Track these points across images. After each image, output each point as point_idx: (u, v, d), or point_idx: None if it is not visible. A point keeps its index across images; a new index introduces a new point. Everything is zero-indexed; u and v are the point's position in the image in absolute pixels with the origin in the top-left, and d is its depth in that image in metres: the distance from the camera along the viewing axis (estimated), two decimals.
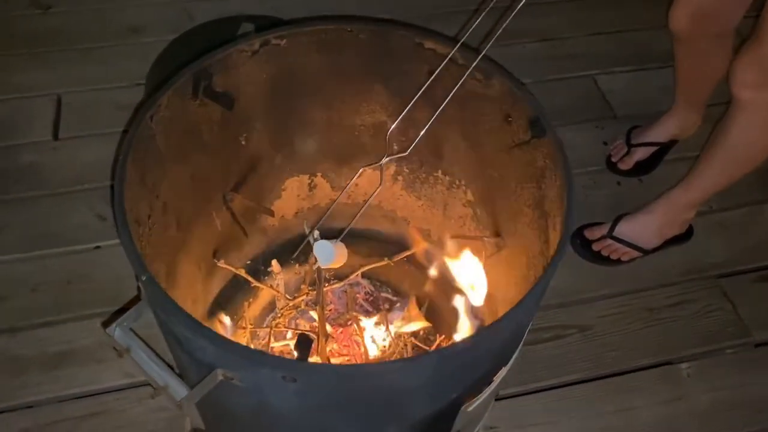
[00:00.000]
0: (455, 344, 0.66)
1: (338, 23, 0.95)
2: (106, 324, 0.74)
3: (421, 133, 0.86)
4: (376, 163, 0.90)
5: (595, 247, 1.42)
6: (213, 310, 1.14)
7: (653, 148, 1.56)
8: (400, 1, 1.89)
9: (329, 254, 0.84)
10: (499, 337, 0.70)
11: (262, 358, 0.65)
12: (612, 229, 1.42)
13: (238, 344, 0.66)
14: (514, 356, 0.80)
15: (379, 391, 0.69)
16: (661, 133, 1.55)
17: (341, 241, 0.91)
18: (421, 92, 0.85)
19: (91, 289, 1.35)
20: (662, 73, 1.65)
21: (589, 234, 1.43)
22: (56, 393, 1.24)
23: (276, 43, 0.94)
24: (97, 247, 1.41)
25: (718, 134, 1.24)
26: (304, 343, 0.69)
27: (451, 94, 0.83)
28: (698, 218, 1.44)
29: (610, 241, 1.42)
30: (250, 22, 1.57)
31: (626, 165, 1.57)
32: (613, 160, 1.58)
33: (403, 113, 0.86)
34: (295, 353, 0.69)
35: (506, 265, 1.04)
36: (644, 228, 1.41)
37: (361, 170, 0.94)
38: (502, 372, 0.77)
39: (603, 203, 1.53)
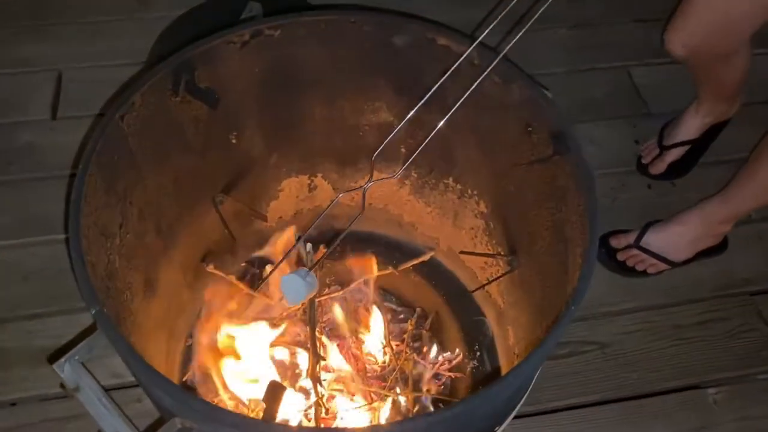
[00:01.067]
0: (445, 410, 0.55)
1: (340, 13, 0.83)
2: (53, 358, 0.64)
3: (413, 155, 0.75)
4: (360, 185, 0.78)
5: (620, 256, 1.30)
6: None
7: (686, 147, 1.41)
8: None
9: (299, 290, 0.72)
10: (498, 398, 0.59)
11: (221, 415, 0.55)
12: (639, 238, 1.29)
13: (195, 398, 0.56)
14: (516, 408, 0.69)
15: None
16: (691, 128, 1.39)
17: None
18: (423, 102, 0.73)
19: None
20: None
21: (614, 242, 1.31)
22: (41, 391, 1.16)
23: (269, 34, 0.82)
24: None
25: (762, 152, 1.10)
26: (273, 393, 0.59)
27: (455, 106, 0.71)
28: (735, 229, 1.31)
29: (636, 251, 1.29)
30: (262, 1, 1.45)
31: (658, 169, 1.41)
32: (644, 162, 1.43)
33: (389, 138, 0.74)
34: (263, 404, 0.60)
35: (520, 287, 0.93)
36: (675, 239, 1.27)
37: (338, 196, 0.82)
38: (502, 427, 0.66)
39: (631, 208, 1.39)
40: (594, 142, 1.48)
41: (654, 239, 1.28)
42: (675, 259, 1.29)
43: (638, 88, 1.58)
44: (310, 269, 0.75)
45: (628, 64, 1.62)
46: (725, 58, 1.16)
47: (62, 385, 0.59)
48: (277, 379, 0.80)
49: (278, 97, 0.89)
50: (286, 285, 0.71)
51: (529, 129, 0.78)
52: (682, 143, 1.40)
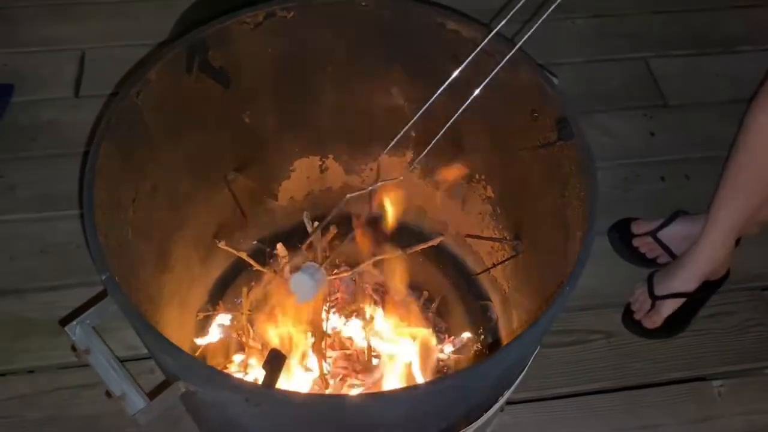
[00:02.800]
0: (438, 380, 0.57)
1: None
2: (65, 321, 0.67)
3: (417, 159, 0.75)
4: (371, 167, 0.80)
5: (635, 242, 1.30)
6: (214, 293, 1.08)
7: (682, 300, 1.21)
8: None
9: (309, 287, 0.73)
10: (491, 374, 0.61)
11: (223, 380, 0.58)
12: (659, 228, 1.28)
13: (199, 362, 0.58)
14: (513, 386, 0.71)
15: (351, 422, 0.62)
16: (689, 278, 1.20)
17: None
18: (428, 105, 0.74)
19: None
20: (722, 60, 1.49)
21: (635, 228, 1.30)
22: (57, 360, 1.20)
23: (282, 16, 0.84)
24: None
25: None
26: (274, 361, 0.62)
27: (468, 101, 0.72)
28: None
29: (650, 239, 1.29)
30: None
31: (653, 323, 1.21)
32: (636, 317, 1.22)
33: (395, 140, 0.75)
34: (264, 372, 0.62)
35: (524, 271, 0.94)
36: (696, 246, 1.19)
37: (346, 198, 0.82)
38: (498, 404, 0.68)
39: (645, 199, 1.39)
40: (609, 132, 1.48)
41: (674, 238, 1.26)
42: None
43: (656, 79, 1.57)
44: (321, 266, 0.77)
45: (647, 55, 1.61)
46: None
47: (73, 347, 0.62)
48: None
49: (290, 78, 0.92)
50: (296, 283, 0.73)
51: (535, 114, 0.79)
52: (678, 294, 1.20)
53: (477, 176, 0.98)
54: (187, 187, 0.91)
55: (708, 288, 1.23)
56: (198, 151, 0.90)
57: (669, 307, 1.21)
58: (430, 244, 1.06)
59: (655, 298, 1.21)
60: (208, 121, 0.89)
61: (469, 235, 1.00)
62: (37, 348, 1.21)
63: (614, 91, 1.55)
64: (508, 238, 0.95)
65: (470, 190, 1.01)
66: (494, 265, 0.98)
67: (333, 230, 1.16)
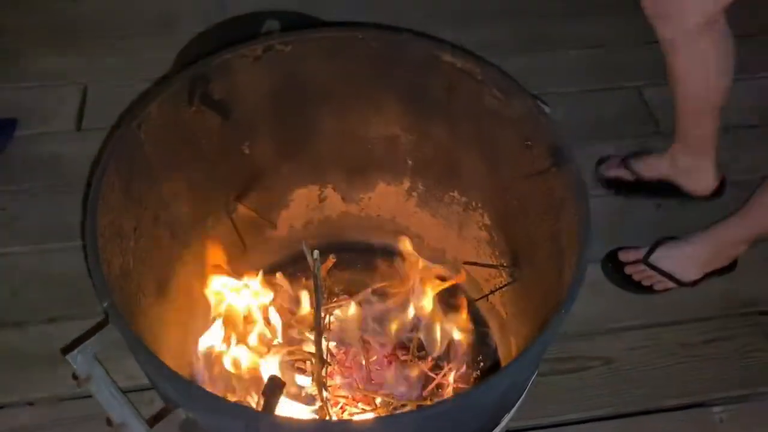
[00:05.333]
0: (436, 404, 0.58)
1: (349, 30, 0.87)
2: (67, 349, 0.68)
3: None
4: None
5: (628, 270, 1.31)
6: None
7: (632, 177, 1.42)
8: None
9: None
10: (483, 400, 0.62)
11: (223, 406, 0.59)
12: (649, 254, 1.30)
13: (199, 389, 0.59)
14: (511, 413, 0.71)
15: None
16: (647, 167, 1.41)
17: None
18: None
19: None
20: None
21: (623, 256, 1.32)
22: (58, 391, 1.20)
23: (281, 49, 0.87)
24: None
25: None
26: (272, 388, 0.62)
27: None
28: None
29: (644, 267, 1.30)
30: (280, 18, 1.50)
31: (605, 171, 1.45)
32: (602, 164, 1.46)
33: None
34: (263, 399, 0.63)
35: (521, 297, 0.95)
36: (685, 259, 1.28)
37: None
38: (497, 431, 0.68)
39: (639, 226, 1.41)
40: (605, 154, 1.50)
41: (663, 257, 1.29)
42: (683, 279, 1.30)
43: (649, 108, 1.60)
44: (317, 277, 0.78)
45: (640, 84, 1.64)
46: (699, 33, 1.10)
47: (74, 375, 0.63)
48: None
49: (289, 109, 0.94)
50: None
51: (528, 143, 0.81)
52: (632, 170, 1.42)
53: (473, 204, 0.99)
54: (188, 216, 0.93)
55: (664, 190, 1.40)
56: (198, 182, 0.92)
57: (621, 173, 1.41)
58: (455, 281, 1.06)
59: (623, 161, 1.42)
60: (208, 152, 0.91)
61: (466, 262, 1.01)
62: (37, 380, 1.21)
63: (608, 119, 1.57)
64: (504, 264, 0.96)
65: (467, 217, 1.02)
66: (492, 292, 0.99)
67: (331, 259, 1.17)
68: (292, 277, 1.14)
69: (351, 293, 1.16)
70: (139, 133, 0.77)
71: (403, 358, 1.10)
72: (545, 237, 0.84)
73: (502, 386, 0.62)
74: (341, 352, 1.11)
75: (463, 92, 0.81)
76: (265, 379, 0.70)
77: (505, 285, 0.95)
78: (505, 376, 0.60)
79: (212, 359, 1.01)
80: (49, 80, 1.64)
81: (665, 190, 1.41)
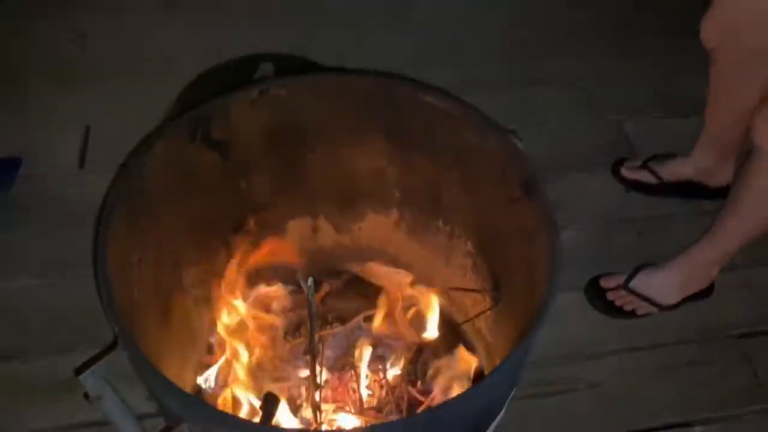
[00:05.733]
0: (399, 420, 0.64)
1: (338, 74, 0.95)
2: (79, 370, 0.74)
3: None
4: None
5: (610, 296, 1.38)
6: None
7: (656, 180, 1.54)
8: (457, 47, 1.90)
9: None
10: (454, 415, 0.68)
11: (225, 419, 0.65)
12: (629, 280, 1.38)
13: (202, 402, 0.65)
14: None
15: None
16: (669, 171, 1.53)
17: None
18: None
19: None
20: (690, 122, 1.59)
21: (604, 283, 1.39)
22: (62, 422, 1.25)
23: (276, 92, 0.95)
24: None
25: (741, 186, 1.19)
26: (269, 403, 0.69)
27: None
28: (721, 274, 1.39)
29: (624, 293, 1.37)
30: (274, 61, 1.59)
31: (629, 173, 1.57)
32: (622, 165, 1.58)
33: None
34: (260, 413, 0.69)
35: (504, 320, 1.02)
36: (663, 284, 1.36)
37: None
38: None
39: (621, 253, 1.48)
40: (587, 191, 1.58)
41: (643, 283, 1.36)
42: (663, 303, 1.37)
43: (630, 141, 1.69)
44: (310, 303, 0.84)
45: (621, 118, 1.74)
46: (753, 61, 1.21)
47: (86, 395, 0.69)
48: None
49: (284, 146, 1.02)
50: None
51: (505, 174, 0.89)
52: (656, 174, 1.54)
53: (457, 232, 1.07)
54: (189, 248, 1.00)
55: (686, 189, 1.51)
56: (198, 216, 0.99)
57: (644, 176, 1.52)
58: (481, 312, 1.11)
59: (644, 162, 1.53)
60: (208, 188, 0.98)
61: (452, 288, 1.08)
62: (41, 411, 1.26)
63: (590, 152, 1.66)
64: (487, 289, 1.03)
65: (452, 245, 1.09)
66: (475, 316, 1.06)
67: (326, 288, 1.25)
68: (287, 305, 1.22)
69: (344, 321, 1.23)
70: (145, 170, 0.85)
71: (393, 381, 1.16)
72: (522, 262, 0.92)
73: (468, 404, 0.69)
74: (335, 377, 1.17)
75: (444, 129, 0.89)
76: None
77: (488, 309, 1.02)
78: (468, 397, 0.67)
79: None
80: (53, 120, 1.71)
81: (687, 190, 1.53)
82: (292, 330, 1.23)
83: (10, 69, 1.83)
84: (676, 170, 1.52)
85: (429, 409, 0.64)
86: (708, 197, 1.51)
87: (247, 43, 1.84)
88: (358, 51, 1.79)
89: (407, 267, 1.20)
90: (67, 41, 1.91)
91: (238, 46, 1.83)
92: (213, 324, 1.09)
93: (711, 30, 1.21)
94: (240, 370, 1.04)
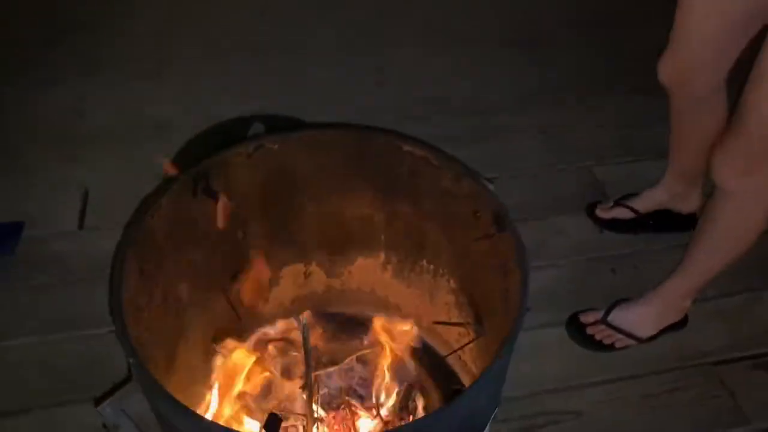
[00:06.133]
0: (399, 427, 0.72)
1: (326, 128, 1.07)
2: (98, 401, 0.82)
3: None
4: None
5: (589, 330, 1.47)
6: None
7: (632, 213, 1.65)
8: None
9: None
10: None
11: None
12: (607, 314, 1.47)
13: (216, 424, 0.73)
14: None
15: None
16: (643, 201, 1.64)
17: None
18: None
19: (108, 373, 1.42)
20: (657, 165, 1.72)
21: (584, 318, 1.49)
22: None
23: (269, 147, 1.06)
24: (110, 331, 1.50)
25: (706, 221, 1.30)
26: (272, 423, 0.76)
27: None
28: (694, 305, 1.48)
29: (604, 327, 1.46)
30: (264, 122, 1.71)
31: (603, 214, 1.68)
32: (597, 208, 1.69)
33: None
34: None
35: (486, 351, 1.11)
36: (640, 317, 1.45)
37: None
38: None
39: (597, 290, 1.58)
40: (563, 232, 1.69)
41: (620, 317, 1.46)
42: (641, 335, 1.46)
43: (600, 184, 1.81)
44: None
45: (590, 164, 1.87)
46: (706, 98, 1.35)
47: (104, 425, 0.77)
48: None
49: (278, 197, 1.12)
50: None
51: (478, 214, 1.00)
52: (630, 208, 1.65)
53: (440, 270, 1.17)
54: (191, 294, 1.09)
55: (660, 218, 1.62)
56: (199, 264, 1.08)
57: (618, 212, 1.64)
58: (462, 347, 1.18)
59: (615, 201, 1.65)
60: (209, 238, 1.08)
61: (436, 322, 1.17)
62: None
63: (563, 196, 1.78)
64: (470, 322, 1.12)
65: (436, 284, 1.19)
66: (459, 348, 1.14)
67: (319, 330, 1.33)
68: (282, 348, 1.29)
69: (337, 361, 1.31)
70: (152, 221, 0.94)
71: (386, 418, 1.24)
72: (499, 294, 1.01)
73: (451, 417, 0.77)
74: (330, 416, 1.24)
75: (423, 175, 1.00)
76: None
77: (470, 341, 1.11)
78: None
79: None
80: (53, 186, 1.82)
81: (661, 218, 1.64)
82: (289, 370, 1.30)
83: (11, 138, 1.95)
84: (650, 199, 1.64)
85: (411, 422, 0.71)
86: (681, 227, 1.61)
87: (237, 106, 1.97)
88: (343, 114, 1.93)
89: (395, 307, 1.29)
90: (66, 111, 2.03)
91: (230, 110, 1.95)
92: (214, 365, 1.17)
93: (667, 71, 1.34)
94: (239, 408, 1.11)
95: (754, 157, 1.13)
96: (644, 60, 1.43)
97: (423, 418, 0.72)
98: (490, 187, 0.97)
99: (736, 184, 1.18)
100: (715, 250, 1.32)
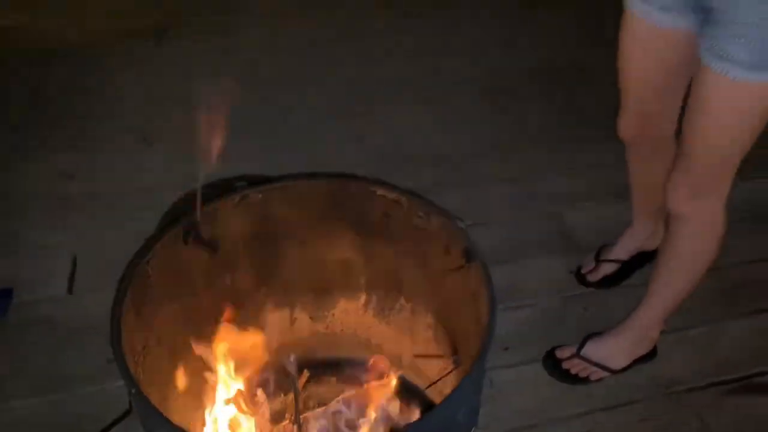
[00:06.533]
0: None
1: (306, 178, 1.18)
2: None
3: None
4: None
5: (565, 365, 1.56)
6: None
7: (618, 265, 1.75)
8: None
9: None
10: None
11: None
12: (580, 348, 1.56)
13: None
14: None
15: None
16: (623, 250, 1.75)
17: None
18: None
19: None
20: (622, 207, 1.84)
21: (559, 353, 1.57)
22: None
23: (254, 197, 1.17)
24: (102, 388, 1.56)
25: (665, 249, 1.42)
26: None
27: None
28: (663, 336, 1.58)
29: (578, 361, 1.55)
30: (247, 181, 1.81)
31: (594, 277, 1.76)
32: (583, 272, 1.77)
33: None
34: None
35: None
36: (611, 349, 1.54)
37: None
38: None
39: (570, 327, 1.67)
40: (534, 275, 1.80)
41: (593, 349, 1.55)
42: (614, 367, 1.55)
43: (570, 228, 1.93)
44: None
45: (560, 208, 1.99)
46: (657, 147, 1.48)
47: None
48: None
49: (262, 244, 1.22)
50: None
51: (448, 249, 1.10)
52: (614, 260, 1.74)
53: (417, 308, 1.26)
54: (183, 339, 1.16)
55: (639, 259, 1.70)
56: (191, 309, 1.17)
57: (606, 269, 1.74)
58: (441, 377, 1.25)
59: (597, 261, 1.74)
60: (199, 284, 1.17)
61: (416, 355, 1.25)
62: None
63: (535, 240, 1.90)
64: (448, 354, 1.21)
65: (414, 321, 1.28)
66: (439, 379, 1.22)
67: (305, 374, 1.40)
68: (270, 393, 1.36)
69: (324, 404, 1.37)
70: (147, 267, 1.03)
71: None
72: (473, 324, 1.10)
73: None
74: None
75: (395, 216, 1.11)
76: None
77: (449, 372, 1.19)
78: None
79: None
80: (43, 251, 1.89)
81: (643, 260, 1.74)
82: (277, 414, 1.37)
83: (1, 204, 2.03)
84: (627, 246, 1.75)
85: None
86: None
87: (222, 169, 2.07)
88: (322, 165, 2.04)
89: (377, 348, 1.38)
90: (56, 178, 2.13)
91: (215, 173, 2.05)
92: (204, 410, 1.23)
93: (624, 126, 1.49)
94: None
95: (700, 180, 1.26)
96: (605, 110, 1.57)
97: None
98: (459, 223, 1.08)
99: (686, 209, 1.31)
100: (674, 277, 1.43)
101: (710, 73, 1.12)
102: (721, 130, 1.19)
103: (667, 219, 1.37)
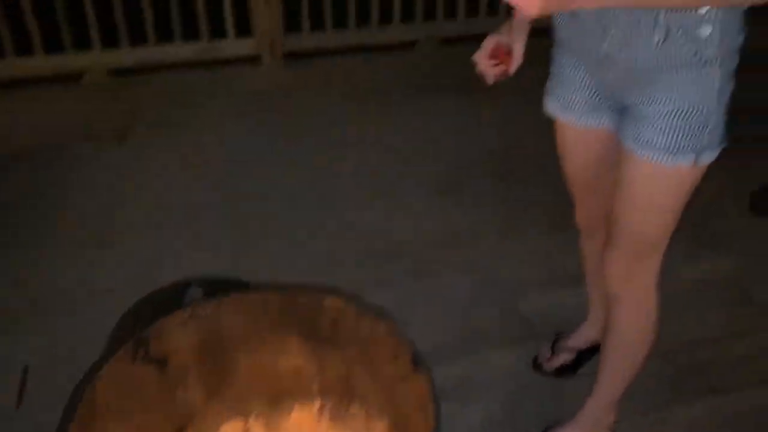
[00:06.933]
0: None
1: (254, 292, 1.21)
2: None
3: None
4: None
5: None
6: None
7: (573, 355, 1.80)
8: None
9: None
10: None
11: None
12: None
13: None
14: None
15: None
16: (580, 339, 1.81)
17: None
18: None
19: None
20: (578, 293, 1.90)
21: None
22: None
23: (203, 312, 1.20)
24: None
25: (607, 333, 1.48)
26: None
27: None
28: (618, 425, 1.62)
29: None
30: (201, 285, 1.83)
31: (550, 366, 1.80)
32: (539, 361, 1.82)
33: None
34: None
35: None
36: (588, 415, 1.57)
37: None
38: None
39: (531, 417, 1.70)
40: (490, 367, 1.84)
41: None
42: None
43: (526, 316, 1.99)
44: None
45: (516, 297, 2.05)
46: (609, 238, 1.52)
47: None
48: None
49: (214, 355, 1.24)
50: None
51: (396, 356, 1.14)
52: (570, 349, 1.80)
53: (371, 412, 1.28)
54: None
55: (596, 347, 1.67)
56: (143, 426, 1.17)
57: (563, 358, 1.76)
58: None
59: (553, 350, 1.78)
60: (150, 400, 1.18)
61: None
62: None
63: (491, 330, 1.95)
64: None
65: (369, 427, 1.30)
66: None
67: None
68: None
69: None
70: (97, 385, 1.05)
71: None
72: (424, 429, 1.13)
73: None
74: None
75: (343, 324, 1.15)
76: None
77: None
78: None
79: None
80: None
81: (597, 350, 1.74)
82: None
83: None
84: (584, 336, 1.81)
85: None
86: None
87: (177, 269, 2.10)
88: (278, 263, 2.08)
89: None
90: (4, 286, 2.11)
91: (169, 273, 2.08)
92: None
93: (578, 216, 1.59)
94: None
95: (630, 258, 1.34)
96: (559, 201, 1.65)
97: None
98: (403, 329, 1.12)
99: (620, 289, 1.38)
100: (618, 360, 1.50)
101: (632, 158, 1.22)
102: (644, 211, 1.28)
103: (608, 304, 1.44)
